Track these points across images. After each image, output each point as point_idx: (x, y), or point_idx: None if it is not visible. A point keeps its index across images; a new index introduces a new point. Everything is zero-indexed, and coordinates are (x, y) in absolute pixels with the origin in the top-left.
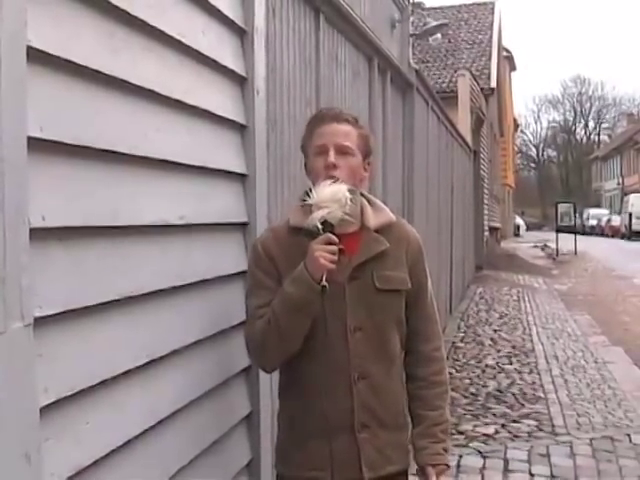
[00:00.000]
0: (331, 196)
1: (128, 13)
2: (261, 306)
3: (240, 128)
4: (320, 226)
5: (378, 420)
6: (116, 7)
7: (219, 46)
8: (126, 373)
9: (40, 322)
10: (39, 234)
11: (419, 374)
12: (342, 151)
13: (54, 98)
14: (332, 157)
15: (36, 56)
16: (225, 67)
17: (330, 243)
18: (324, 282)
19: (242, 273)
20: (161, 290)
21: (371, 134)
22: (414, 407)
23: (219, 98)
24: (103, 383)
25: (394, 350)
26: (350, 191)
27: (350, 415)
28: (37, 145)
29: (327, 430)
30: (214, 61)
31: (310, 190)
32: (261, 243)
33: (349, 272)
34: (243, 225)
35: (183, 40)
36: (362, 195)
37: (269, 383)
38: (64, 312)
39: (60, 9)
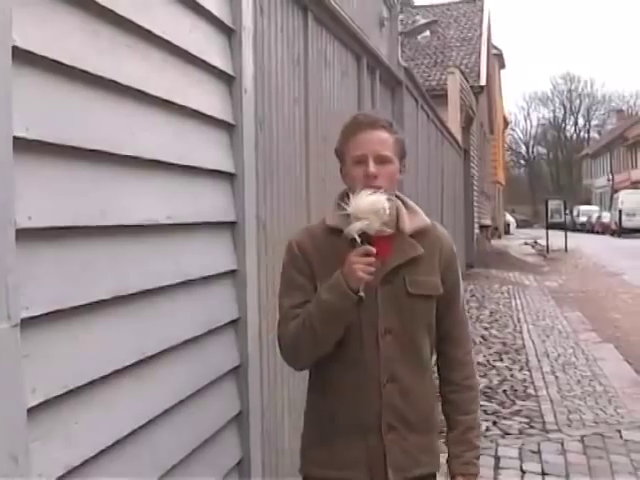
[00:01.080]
0: (370, 207)
1: (114, 12)
2: (295, 306)
3: (228, 127)
4: (358, 239)
5: (406, 422)
6: (102, 7)
7: (207, 45)
8: (116, 373)
9: (27, 322)
10: (26, 234)
11: (452, 378)
12: (381, 160)
13: (40, 98)
14: (372, 167)
15: (21, 56)
16: (213, 66)
17: (368, 255)
18: (361, 293)
19: (231, 272)
20: (150, 289)
21: (404, 137)
22: (448, 411)
23: (207, 97)
24: (92, 383)
25: (424, 354)
26: (388, 200)
27: (378, 416)
28: (23, 145)
29: (354, 431)
30: (201, 60)
31: (348, 196)
32: (296, 242)
33: (382, 276)
34: (232, 224)
35: (170, 39)
36: (398, 197)
37: (259, 382)
38: (52, 312)
39: (45, 9)
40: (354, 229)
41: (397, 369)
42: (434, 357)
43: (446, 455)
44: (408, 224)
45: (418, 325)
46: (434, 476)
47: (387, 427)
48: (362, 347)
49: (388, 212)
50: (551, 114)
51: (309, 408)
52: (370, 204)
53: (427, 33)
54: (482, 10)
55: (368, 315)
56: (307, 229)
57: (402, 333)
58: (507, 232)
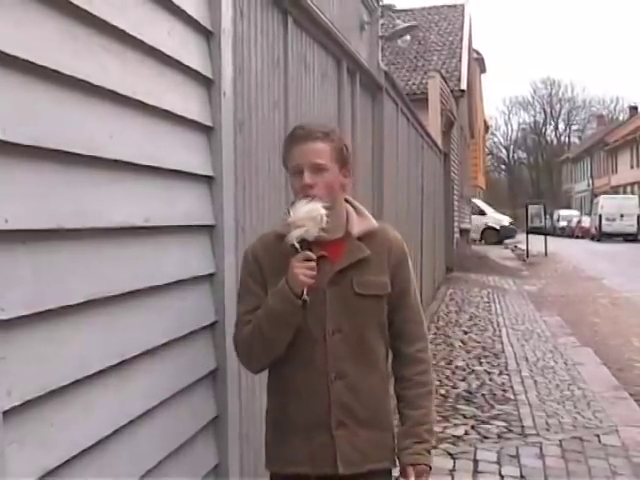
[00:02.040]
0: (307, 215)
1: (90, 14)
2: (248, 312)
3: (206, 130)
4: (297, 245)
5: (356, 418)
6: (78, 8)
7: (184, 47)
8: (92, 375)
9: (4, 325)
10: (2, 237)
11: (403, 374)
12: (316, 169)
13: (16, 100)
14: (307, 178)
15: None
16: (191, 69)
17: (309, 260)
18: (305, 296)
19: (209, 276)
20: (129, 292)
21: (345, 142)
22: (399, 407)
23: (185, 100)
24: (69, 385)
25: (374, 352)
26: (326, 207)
27: (327, 413)
28: None
29: (306, 428)
30: (180, 62)
31: (289, 209)
32: (251, 250)
33: (330, 278)
34: (210, 227)
35: (147, 41)
36: (348, 202)
37: (237, 386)
38: (28, 315)
39: (20, 10)
40: (293, 236)
41: (345, 367)
42: (389, 356)
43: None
44: (356, 227)
45: (368, 324)
46: (389, 472)
47: (336, 423)
48: (311, 347)
49: (325, 219)
50: (532, 118)
51: (268, 407)
52: (307, 212)
53: (408, 37)
54: (463, 14)
55: (317, 316)
56: (261, 237)
57: (351, 332)
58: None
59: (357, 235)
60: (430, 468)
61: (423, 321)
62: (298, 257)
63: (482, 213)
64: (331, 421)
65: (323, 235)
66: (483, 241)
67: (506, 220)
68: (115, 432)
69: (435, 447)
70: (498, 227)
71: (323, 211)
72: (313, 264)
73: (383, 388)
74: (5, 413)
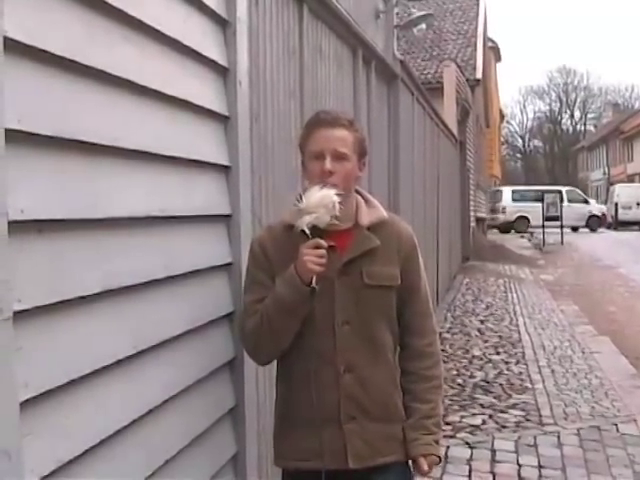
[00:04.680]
0: (319, 201)
1: (107, 3)
2: (255, 301)
3: (223, 119)
4: (308, 231)
5: (365, 412)
6: None
7: (201, 36)
8: (108, 366)
9: (20, 316)
10: (18, 227)
11: (411, 368)
12: (338, 157)
13: (32, 89)
14: (328, 164)
15: (13, 47)
16: (207, 58)
17: (319, 247)
18: (313, 284)
19: (226, 265)
20: (144, 282)
21: (365, 136)
22: (406, 400)
23: (201, 89)
24: (85, 377)
25: (383, 344)
26: (339, 195)
27: (337, 407)
28: (15, 137)
29: (315, 421)
30: (195, 52)
31: (301, 195)
32: (258, 241)
33: (339, 268)
34: (226, 217)
35: (163, 30)
36: (358, 192)
37: (254, 376)
38: (44, 305)
39: (39, 0)
40: (303, 222)
41: (355, 359)
42: (397, 349)
43: None
44: (365, 217)
45: (376, 316)
46: (402, 464)
47: (346, 417)
48: (319, 338)
49: (338, 206)
50: (547, 107)
51: (277, 399)
52: (319, 198)
53: (423, 26)
54: (478, 3)
55: (325, 307)
56: (268, 227)
57: (360, 324)
58: None
59: (367, 225)
60: (440, 459)
61: (432, 314)
62: (308, 244)
63: (586, 202)
64: (341, 415)
65: (335, 223)
66: (588, 228)
67: (604, 209)
68: (132, 423)
69: (453, 436)
70: (600, 214)
71: (336, 198)
72: (323, 252)
73: (392, 381)
74: (22, 404)
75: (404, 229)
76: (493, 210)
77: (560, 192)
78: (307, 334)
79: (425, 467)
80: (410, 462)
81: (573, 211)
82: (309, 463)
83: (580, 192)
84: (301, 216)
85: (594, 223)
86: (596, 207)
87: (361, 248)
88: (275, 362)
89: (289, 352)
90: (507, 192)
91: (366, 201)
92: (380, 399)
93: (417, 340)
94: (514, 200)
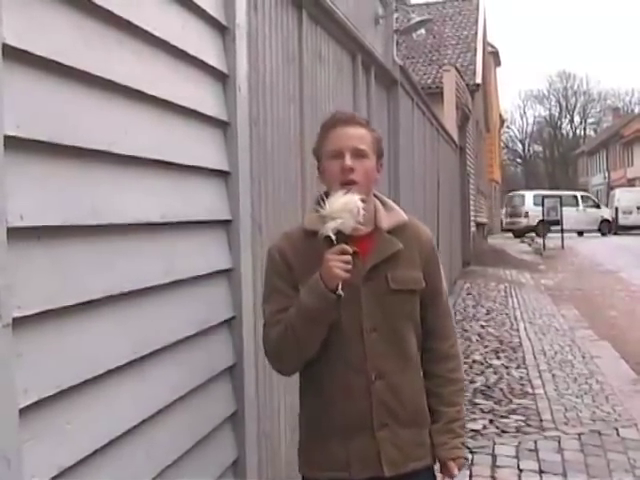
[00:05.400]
0: (343, 206)
1: (105, 9)
2: (277, 311)
3: (222, 125)
4: (333, 237)
5: (397, 418)
6: (93, 3)
7: (199, 42)
8: (109, 372)
9: (19, 322)
10: (18, 233)
11: (437, 371)
12: (358, 154)
13: (31, 96)
14: (348, 160)
15: (11, 53)
16: (206, 64)
17: (344, 253)
18: (339, 291)
19: (226, 271)
20: (143, 289)
21: (382, 136)
22: (432, 404)
23: (200, 95)
24: (85, 383)
25: (411, 349)
26: (362, 200)
27: (368, 414)
28: (14, 144)
29: (346, 430)
30: (195, 58)
31: (323, 199)
32: (277, 249)
33: (364, 274)
34: (226, 223)
35: (161, 36)
36: (375, 196)
37: (254, 381)
38: (44, 312)
39: (36, 6)
40: (329, 228)
41: (384, 366)
42: (420, 352)
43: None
44: (385, 221)
45: (403, 321)
46: (429, 468)
47: (379, 424)
48: (347, 346)
49: (362, 211)
50: (547, 112)
51: (302, 409)
52: (343, 203)
53: (422, 31)
54: (477, 8)
55: (352, 314)
56: (286, 234)
57: (387, 330)
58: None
59: (387, 229)
60: (466, 460)
61: (452, 316)
62: (333, 250)
63: (597, 207)
64: (373, 422)
65: (360, 228)
66: (599, 232)
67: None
68: (133, 429)
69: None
70: (611, 219)
71: (360, 204)
72: (349, 257)
73: (420, 385)
74: (21, 411)
75: (423, 231)
76: (513, 214)
77: (576, 197)
78: (335, 342)
79: (455, 471)
80: (437, 465)
81: (587, 216)
82: (338, 473)
83: (593, 197)
84: (325, 222)
85: (604, 227)
86: (607, 212)
87: (385, 253)
88: (291, 375)
89: (316, 361)
90: (529, 196)
91: (384, 204)
92: (411, 404)
93: (441, 342)
94: (535, 204)
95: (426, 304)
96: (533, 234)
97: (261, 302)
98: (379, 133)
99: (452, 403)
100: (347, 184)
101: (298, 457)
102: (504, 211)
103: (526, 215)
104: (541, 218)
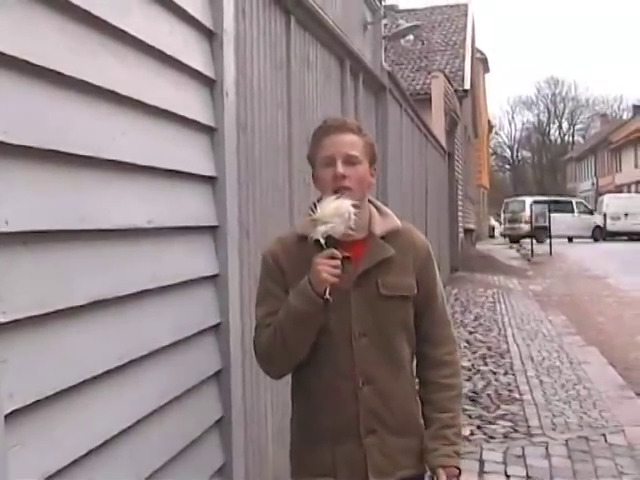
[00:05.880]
0: (334, 211)
1: (90, 14)
2: (268, 314)
3: (209, 131)
4: (323, 241)
5: (385, 425)
6: (79, 9)
7: (187, 48)
8: (95, 378)
9: (5, 327)
10: (3, 239)
11: (430, 378)
12: (349, 161)
13: (17, 101)
14: (340, 168)
15: None
16: (193, 69)
17: (334, 257)
18: (327, 295)
19: (213, 277)
20: (130, 294)
21: (374, 141)
22: (425, 410)
23: (187, 100)
24: (71, 388)
25: (401, 355)
26: (354, 205)
27: (356, 420)
28: (1, 149)
29: (334, 435)
30: (182, 63)
31: (315, 205)
32: (270, 253)
33: (354, 279)
34: (213, 228)
35: (148, 41)
36: (370, 202)
37: (241, 387)
38: (30, 317)
39: (21, 12)
40: (319, 232)
41: (373, 371)
42: (414, 359)
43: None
44: (379, 226)
45: (394, 326)
46: (420, 477)
47: (366, 430)
48: (336, 351)
49: (353, 216)
50: (535, 118)
51: (293, 413)
52: (335, 208)
53: (411, 37)
54: (466, 14)
55: (342, 319)
56: (279, 239)
57: (377, 335)
58: (492, 236)
59: (380, 234)
60: (460, 471)
61: (450, 323)
62: (322, 254)
63: (590, 213)
64: (360, 429)
65: (350, 233)
66: (592, 239)
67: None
68: (119, 434)
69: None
70: (602, 225)
71: (352, 209)
72: (338, 262)
73: (411, 392)
74: (7, 416)
75: (418, 238)
76: (512, 220)
77: (571, 203)
78: (323, 347)
79: (444, 479)
80: (428, 473)
81: (582, 222)
82: (326, 479)
83: (586, 204)
84: (315, 226)
85: (597, 233)
86: (599, 218)
87: (376, 258)
88: (263, 375)
89: (305, 365)
90: (529, 202)
91: (379, 210)
92: (401, 412)
93: (436, 349)
94: None
95: (421, 310)
96: (527, 240)
97: (254, 305)
98: (371, 138)
99: (445, 409)
100: (340, 191)
101: (290, 461)
102: (502, 217)
103: (527, 221)
104: (540, 224)
